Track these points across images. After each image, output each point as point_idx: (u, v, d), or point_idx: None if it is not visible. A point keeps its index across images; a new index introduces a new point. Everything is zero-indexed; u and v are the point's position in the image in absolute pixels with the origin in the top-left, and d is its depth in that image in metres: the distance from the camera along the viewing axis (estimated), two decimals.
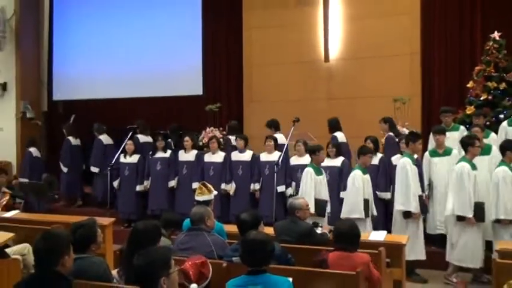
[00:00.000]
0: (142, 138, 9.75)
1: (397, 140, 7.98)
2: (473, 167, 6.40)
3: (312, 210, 6.69)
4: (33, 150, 10.65)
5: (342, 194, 7.27)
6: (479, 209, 6.28)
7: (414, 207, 6.47)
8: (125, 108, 11.72)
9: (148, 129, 9.92)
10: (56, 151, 11.32)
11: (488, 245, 6.46)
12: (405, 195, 6.51)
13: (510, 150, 6.30)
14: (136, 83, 11.52)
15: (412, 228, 6.56)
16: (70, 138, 10.49)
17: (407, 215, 6.53)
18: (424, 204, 6.71)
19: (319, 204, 6.92)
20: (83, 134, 10.85)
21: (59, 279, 3.11)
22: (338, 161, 7.88)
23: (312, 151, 7.23)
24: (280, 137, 8.66)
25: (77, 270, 3.50)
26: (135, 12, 11.73)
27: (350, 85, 10.13)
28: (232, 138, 9.16)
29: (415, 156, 6.80)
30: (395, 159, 7.46)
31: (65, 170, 10.38)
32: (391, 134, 8.23)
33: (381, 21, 9.89)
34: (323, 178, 7.12)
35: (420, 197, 6.60)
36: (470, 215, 6.23)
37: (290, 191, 8.03)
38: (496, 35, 8.13)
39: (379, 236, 5.53)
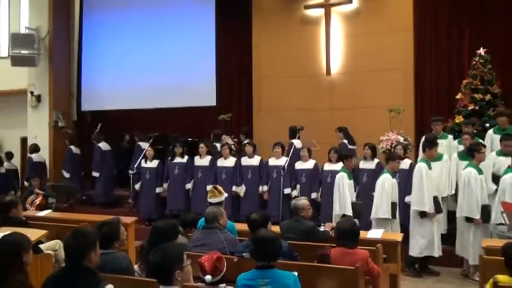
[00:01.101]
0: (143, 145, 9.93)
1: (351, 147, 8.41)
2: (480, 172, 6.36)
3: (349, 212, 6.78)
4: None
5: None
6: (485, 211, 6.24)
7: (428, 207, 6.41)
8: (145, 117, 11.75)
9: (146, 136, 10.11)
10: (84, 157, 11.36)
11: None
12: (420, 197, 6.44)
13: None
14: (156, 94, 11.54)
15: (428, 227, 6.50)
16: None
17: (423, 214, 6.47)
18: (439, 204, 6.60)
19: (356, 207, 6.90)
20: (107, 141, 10.90)
21: (87, 273, 3.11)
22: (339, 166, 7.84)
23: (344, 157, 7.25)
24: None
25: (103, 264, 3.50)
26: (155, 30, 11.76)
27: (350, 97, 10.10)
28: (218, 145, 9.27)
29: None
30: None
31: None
32: (344, 141, 8.59)
33: (377, 38, 9.88)
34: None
35: (435, 197, 6.52)
36: (477, 216, 6.20)
37: (295, 192, 8.02)
38: (481, 51, 8.09)
39: (377, 233, 5.51)
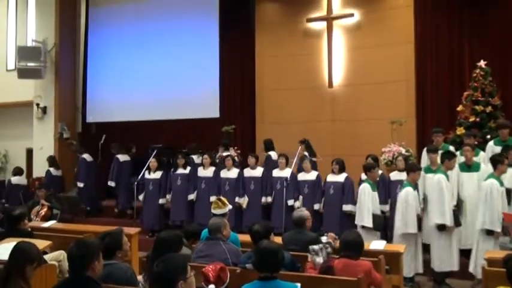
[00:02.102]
0: (122, 157, 10.28)
1: (314, 159, 8.38)
2: (501, 184, 6.20)
3: (370, 224, 6.63)
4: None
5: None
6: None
7: (449, 220, 6.27)
8: (149, 129, 11.80)
9: (121, 148, 10.48)
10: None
11: None
12: (441, 210, 6.28)
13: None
14: (160, 106, 11.59)
15: (446, 241, 6.35)
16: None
17: (441, 227, 6.33)
18: (458, 217, 6.46)
19: (377, 219, 6.74)
20: (112, 152, 10.94)
21: (90, 283, 3.12)
22: (341, 177, 7.86)
23: (368, 168, 7.10)
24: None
25: (106, 275, 3.51)
26: (159, 44, 11.84)
27: (352, 108, 10.11)
28: (194, 157, 9.38)
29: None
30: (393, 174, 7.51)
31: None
32: (305, 153, 8.59)
33: (379, 51, 9.91)
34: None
35: (454, 210, 6.39)
36: (499, 229, 6.03)
37: (298, 203, 8.01)
38: (482, 63, 8.12)
39: (379, 245, 5.48)
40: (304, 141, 8.74)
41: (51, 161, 10.99)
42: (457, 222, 6.43)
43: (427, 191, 7.01)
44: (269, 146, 9.15)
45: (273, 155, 8.96)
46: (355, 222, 6.91)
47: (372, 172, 7.00)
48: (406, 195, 6.45)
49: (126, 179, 10.31)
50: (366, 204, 6.72)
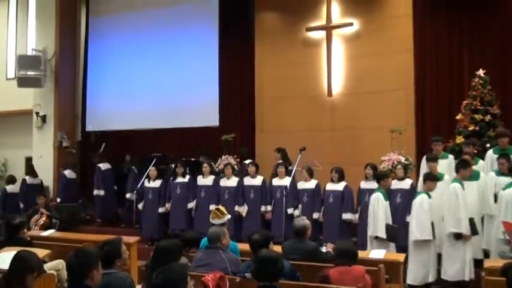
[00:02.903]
0: (103, 166, 10.44)
1: (290, 168, 8.42)
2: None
3: (384, 235, 6.51)
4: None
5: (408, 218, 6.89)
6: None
7: (465, 229, 6.21)
8: (149, 138, 11.81)
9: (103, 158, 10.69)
10: (88, 176, 11.39)
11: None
12: (456, 218, 6.22)
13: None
14: (159, 115, 11.59)
15: (460, 251, 6.27)
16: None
17: (458, 236, 6.27)
18: (475, 226, 6.38)
19: (390, 229, 6.58)
20: (111, 161, 10.97)
21: None
22: (341, 186, 7.87)
23: (381, 177, 7.00)
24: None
25: (105, 284, 3.49)
26: (159, 53, 11.86)
27: (351, 117, 10.13)
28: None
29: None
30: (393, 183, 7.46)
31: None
32: (280, 161, 8.73)
33: (378, 60, 9.93)
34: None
35: (471, 219, 6.32)
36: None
37: (297, 212, 8.00)
38: (481, 72, 8.14)
39: (379, 254, 5.48)
40: (281, 150, 9.00)
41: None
42: (474, 231, 6.35)
43: None
44: (244, 154, 9.65)
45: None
46: (369, 234, 6.77)
47: (384, 181, 6.90)
48: (420, 202, 6.39)
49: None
50: (380, 214, 6.60)
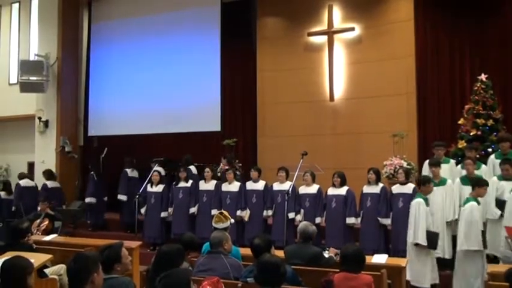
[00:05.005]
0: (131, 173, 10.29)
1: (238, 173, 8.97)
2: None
3: (423, 242, 6.33)
4: (129, 171, 10.44)
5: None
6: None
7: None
8: (151, 142, 11.83)
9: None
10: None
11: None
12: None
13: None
14: (161, 120, 11.61)
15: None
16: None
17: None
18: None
19: (431, 236, 6.36)
20: (114, 165, 10.95)
21: None
22: (343, 190, 7.85)
23: (422, 182, 6.70)
24: (193, 168, 9.65)
25: None
26: (161, 58, 11.89)
27: (353, 122, 10.13)
28: (192, 168, 9.67)
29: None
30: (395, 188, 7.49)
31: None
32: (226, 167, 9.08)
33: (379, 65, 9.96)
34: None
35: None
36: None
37: (299, 217, 7.98)
38: (483, 76, 8.13)
39: (381, 258, 5.45)
40: (228, 156, 9.40)
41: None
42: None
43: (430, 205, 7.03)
44: (188, 161, 9.66)
45: (193, 169, 9.56)
46: (408, 241, 6.56)
47: (426, 186, 6.61)
48: (470, 210, 6.15)
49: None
50: (421, 220, 6.36)
